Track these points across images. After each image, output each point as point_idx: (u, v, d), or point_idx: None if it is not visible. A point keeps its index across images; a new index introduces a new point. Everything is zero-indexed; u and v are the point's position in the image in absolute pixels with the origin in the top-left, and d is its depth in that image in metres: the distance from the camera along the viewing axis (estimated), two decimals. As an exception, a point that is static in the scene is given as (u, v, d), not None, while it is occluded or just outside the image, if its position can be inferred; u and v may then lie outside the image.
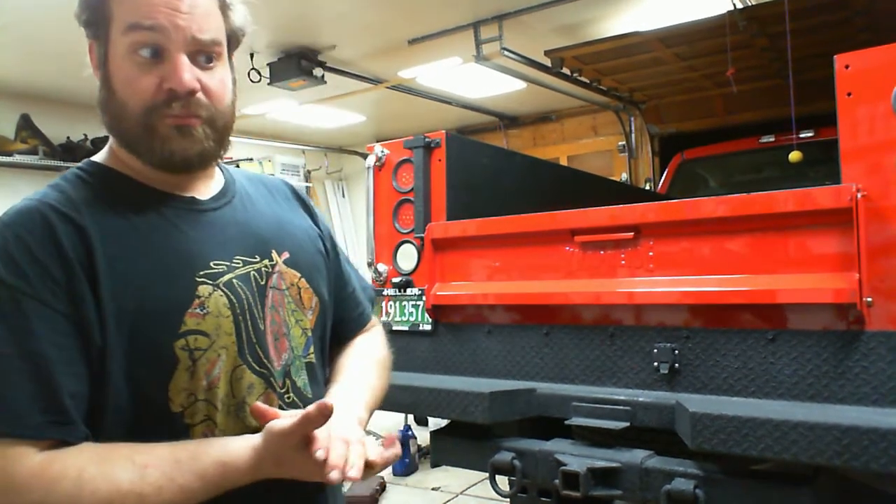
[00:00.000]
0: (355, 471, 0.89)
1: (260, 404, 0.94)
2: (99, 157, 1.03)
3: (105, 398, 0.89)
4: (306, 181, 8.80)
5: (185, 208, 1.01)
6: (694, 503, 1.76)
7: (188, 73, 0.94)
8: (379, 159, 2.63)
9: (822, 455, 1.52)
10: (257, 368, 1.00)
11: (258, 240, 1.06)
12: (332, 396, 1.06)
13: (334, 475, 0.86)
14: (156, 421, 0.91)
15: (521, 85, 6.03)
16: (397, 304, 2.54)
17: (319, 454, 0.87)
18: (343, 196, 9.22)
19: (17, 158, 6.09)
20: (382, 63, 5.67)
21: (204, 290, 0.95)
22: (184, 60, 0.94)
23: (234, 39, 1.04)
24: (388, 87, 6.17)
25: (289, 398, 1.03)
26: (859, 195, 1.69)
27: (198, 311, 0.93)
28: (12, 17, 4.42)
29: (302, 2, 4.49)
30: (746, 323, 1.87)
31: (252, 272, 1.02)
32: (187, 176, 1.03)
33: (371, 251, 2.61)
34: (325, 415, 0.87)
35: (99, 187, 0.97)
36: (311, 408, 0.87)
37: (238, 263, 1.01)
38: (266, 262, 1.05)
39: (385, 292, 2.57)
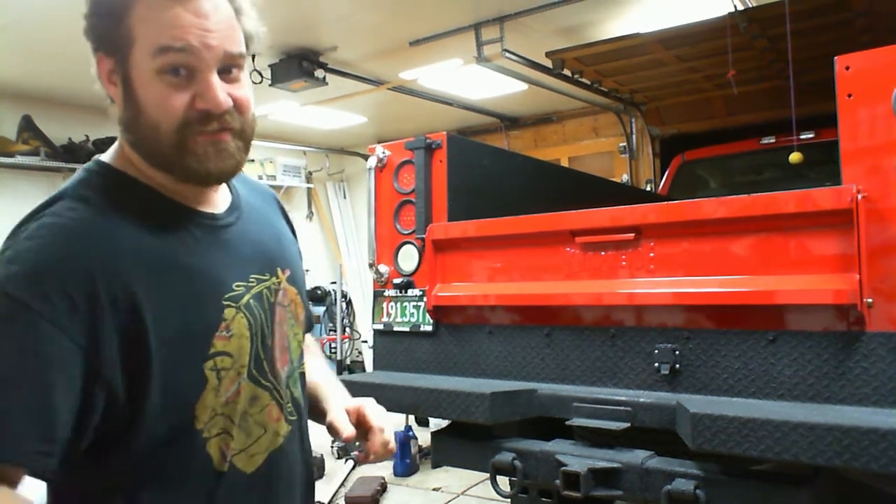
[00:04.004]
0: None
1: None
2: (115, 163, 1.00)
3: (139, 421, 0.90)
4: (307, 182, 8.81)
5: (209, 225, 1.03)
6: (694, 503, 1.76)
7: (222, 93, 0.95)
8: (380, 160, 2.63)
9: (822, 456, 1.52)
10: (263, 382, 1.04)
11: (267, 258, 1.10)
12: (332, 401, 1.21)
13: None
14: (180, 436, 0.94)
15: (522, 86, 6.04)
16: (398, 305, 2.55)
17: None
18: (344, 197, 9.21)
19: (19, 159, 6.09)
20: (383, 64, 5.68)
21: (229, 312, 0.98)
22: (216, 80, 0.94)
23: (249, 45, 1.03)
24: (389, 89, 6.17)
25: (289, 408, 1.10)
26: (860, 196, 1.69)
27: (224, 333, 0.97)
28: (14, 18, 4.43)
29: (303, 3, 4.49)
30: (747, 324, 1.88)
31: (264, 290, 1.06)
32: (206, 188, 1.04)
33: (372, 252, 2.61)
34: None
35: (127, 201, 0.95)
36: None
37: (253, 282, 1.04)
38: (274, 279, 1.09)
39: (386, 293, 2.58)
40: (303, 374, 1.17)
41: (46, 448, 0.81)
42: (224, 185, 1.10)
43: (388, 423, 1.19)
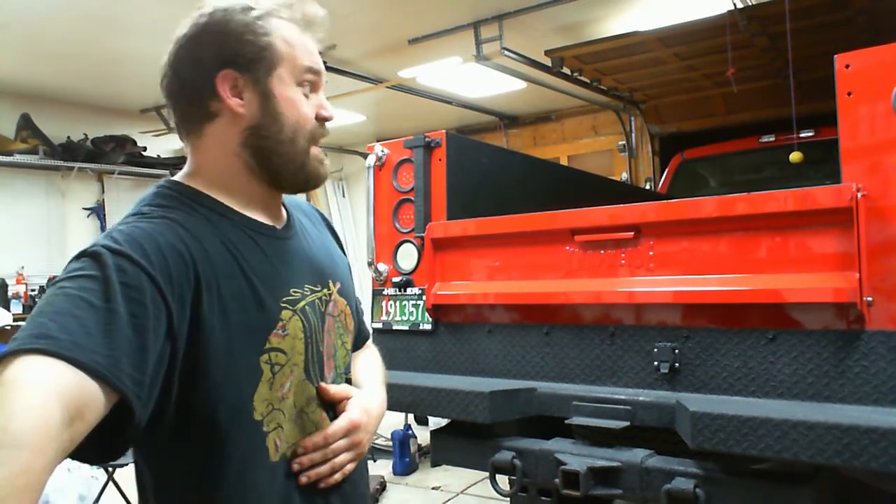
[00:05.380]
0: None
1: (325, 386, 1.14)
2: (184, 181, 1.12)
3: (198, 402, 0.98)
4: (306, 181, 8.80)
5: (270, 236, 1.14)
6: (694, 502, 1.76)
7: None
8: (379, 159, 2.63)
9: (822, 454, 1.52)
10: (316, 384, 1.14)
11: (319, 271, 1.21)
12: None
13: None
14: (241, 427, 1.02)
15: (521, 84, 6.04)
16: (397, 303, 2.54)
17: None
18: (343, 196, 9.21)
19: (18, 158, 6.10)
20: (382, 63, 5.68)
21: (285, 314, 1.08)
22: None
23: None
24: (388, 87, 6.17)
25: (331, 414, 1.17)
26: (859, 195, 1.69)
27: (280, 332, 1.06)
28: (13, 17, 4.43)
29: (302, 1, 4.48)
30: (746, 322, 1.88)
31: (317, 300, 1.17)
32: (273, 202, 1.18)
33: (371, 251, 2.61)
34: None
35: (204, 212, 1.08)
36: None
37: (307, 292, 1.15)
38: (326, 291, 1.20)
39: (385, 292, 2.57)
40: (348, 381, 1.24)
41: (136, 388, 0.87)
42: (280, 205, 1.24)
43: (344, 427, 1.13)
